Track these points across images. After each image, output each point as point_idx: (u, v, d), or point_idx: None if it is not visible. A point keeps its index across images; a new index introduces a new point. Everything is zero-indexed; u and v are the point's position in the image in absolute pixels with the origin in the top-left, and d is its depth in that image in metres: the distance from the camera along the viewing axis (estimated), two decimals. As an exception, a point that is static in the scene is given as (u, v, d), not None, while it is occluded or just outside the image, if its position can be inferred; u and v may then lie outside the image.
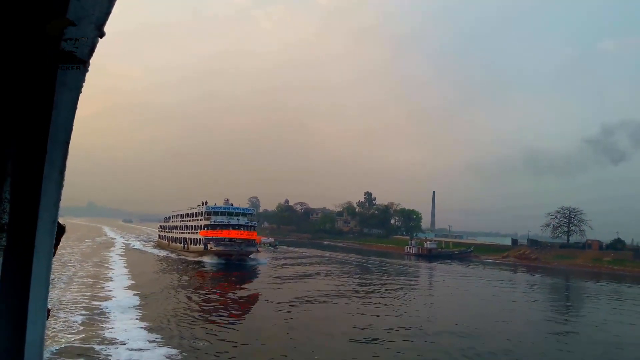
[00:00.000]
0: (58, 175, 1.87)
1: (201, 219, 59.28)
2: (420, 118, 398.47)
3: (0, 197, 1.72)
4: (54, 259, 2.00)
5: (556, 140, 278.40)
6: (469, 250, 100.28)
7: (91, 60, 1.82)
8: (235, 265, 51.75)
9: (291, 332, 23.27)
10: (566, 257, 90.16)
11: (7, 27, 1.61)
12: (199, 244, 57.83)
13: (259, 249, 57.66)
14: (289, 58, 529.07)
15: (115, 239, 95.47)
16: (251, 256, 56.30)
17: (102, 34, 1.73)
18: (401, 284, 47.84)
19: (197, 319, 25.26)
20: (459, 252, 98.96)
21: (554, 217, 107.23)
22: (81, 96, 1.84)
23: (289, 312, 28.36)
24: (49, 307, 2.00)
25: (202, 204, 61.82)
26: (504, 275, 65.95)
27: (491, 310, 34.91)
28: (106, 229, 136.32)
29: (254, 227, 59.49)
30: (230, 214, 58.81)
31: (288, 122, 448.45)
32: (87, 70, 1.80)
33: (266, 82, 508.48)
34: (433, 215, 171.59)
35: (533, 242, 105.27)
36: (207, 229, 57.08)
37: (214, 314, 26.96)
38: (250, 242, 56.38)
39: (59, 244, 2.01)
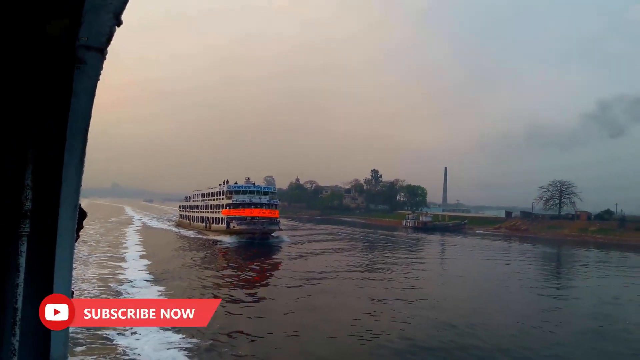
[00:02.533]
0: (78, 161, 1.79)
1: (223, 198, 54.34)
2: (433, 96, 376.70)
3: (23, 184, 1.65)
4: (76, 242, 1.91)
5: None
6: (463, 222, 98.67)
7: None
8: (257, 243, 47.26)
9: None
10: (554, 228, 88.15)
11: (23, 16, 1.54)
12: (222, 223, 53.01)
13: (280, 227, 52.60)
14: (307, 39, 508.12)
15: (133, 217, 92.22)
16: (273, 234, 51.39)
17: (119, 23, 1.62)
18: (391, 250, 51.29)
19: (220, 293, 23.19)
20: (453, 224, 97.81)
21: (546, 190, 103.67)
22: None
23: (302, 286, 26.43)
24: (73, 290, 1.92)
25: (224, 183, 56.73)
26: (484, 244, 64.22)
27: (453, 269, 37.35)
28: (128, 209, 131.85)
29: (276, 205, 54.53)
30: (252, 192, 53.81)
31: (303, 103, 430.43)
32: (104, 58, 1.69)
33: (284, 65, 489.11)
34: (445, 190, 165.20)
35: (526, 214, 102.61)
36: (230, 207, 52.18)
37: (236, 289, 24.75)
38: (272, 221, 51.54)
39: (81, 228, 1.96)
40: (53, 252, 1.75)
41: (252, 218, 50.78)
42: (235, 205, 51.95)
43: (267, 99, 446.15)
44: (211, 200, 58.64)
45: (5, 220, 1.65)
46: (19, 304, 1.64)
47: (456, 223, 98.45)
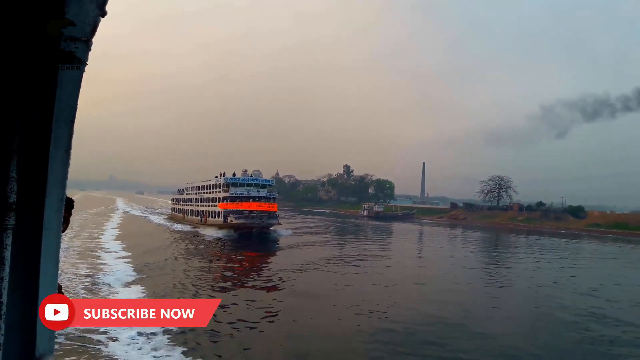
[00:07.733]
0: (64, 153, 1.53)
1: (219, 191, 43.87)
2: (414, 94, 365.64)
3: (7, 176, 1.41)
4: (64, 233, 1.62)
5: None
6: (412, 212, 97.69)
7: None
8: (254, 237, 37.71)
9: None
10: (489, 217, 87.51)
11: (10, 6, 1.34)
12: (218, 217, 42.68)
13: (279, 221, 42.83)
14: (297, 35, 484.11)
15: (121, 209, 78.35)
16: (272, 228, 41.62)
17: (104, 13, 1.41)
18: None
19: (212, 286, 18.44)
20: (402, 214, 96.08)
21: (486, 184, 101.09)
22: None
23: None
24: (59, 283, 1.65)
25: (220, 176, 45.93)
26: (419, 229, 63.48)
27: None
28: (119, 200, 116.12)
29: (275, 198, 44.60)
30: (249, 185, 43.65)
31: (288, 100, 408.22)
32: (89, 49, 1.47)
33: (274, 62, 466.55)
34: (423, 183, 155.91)
35: (468, 206, 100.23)
36: (227, 201, 41.89)
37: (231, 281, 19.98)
38: (271, 215, 41.67)
39: (69, 217, 1.67)
40: (39, 245, 1.48)
41: (251, 212, 40.83)
42: (232, 199, 41.76)
43: (255, 97, 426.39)
44: (207, 193, 47.84)
45: None
46: (4, 298, 1.39)
47: (405, 213, 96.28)
